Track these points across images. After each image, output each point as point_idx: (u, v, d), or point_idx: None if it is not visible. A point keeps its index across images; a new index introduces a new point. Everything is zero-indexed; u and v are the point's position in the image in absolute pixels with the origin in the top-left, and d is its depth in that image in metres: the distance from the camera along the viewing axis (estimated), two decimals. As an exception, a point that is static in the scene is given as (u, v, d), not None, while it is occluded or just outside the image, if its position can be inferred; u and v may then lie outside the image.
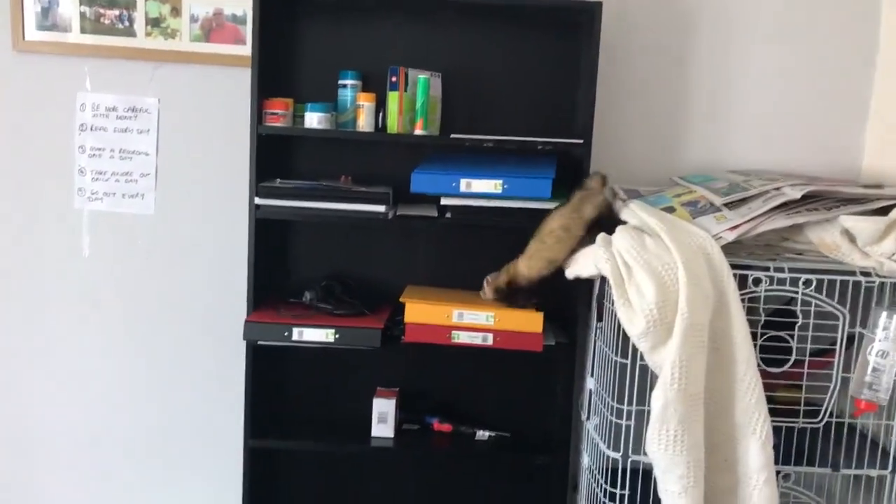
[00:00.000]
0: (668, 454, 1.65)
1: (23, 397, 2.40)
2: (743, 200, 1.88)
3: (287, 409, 2.32)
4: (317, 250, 2.29)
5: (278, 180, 2.12)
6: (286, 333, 2.04)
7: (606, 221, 1.89)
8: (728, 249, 1.77)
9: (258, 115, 2.06)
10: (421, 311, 2.07)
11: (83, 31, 2.25)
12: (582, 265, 1.86)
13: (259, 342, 2.07)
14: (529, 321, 2.05)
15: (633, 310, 1.68)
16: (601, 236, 1.82)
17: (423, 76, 2.08)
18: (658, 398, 1.65)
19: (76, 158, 2.31)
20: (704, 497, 1.68)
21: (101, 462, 2.42)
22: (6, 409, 2.40)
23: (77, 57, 2.27)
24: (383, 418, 2.18)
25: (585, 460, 2.10)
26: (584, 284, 2.07)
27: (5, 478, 2.43)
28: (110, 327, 2.37)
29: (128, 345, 2.38)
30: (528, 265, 1.98)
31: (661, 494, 1.71)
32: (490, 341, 2.05)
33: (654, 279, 1.66)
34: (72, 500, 2.44)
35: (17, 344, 2.38)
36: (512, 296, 2.04)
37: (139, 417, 2.41)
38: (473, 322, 2.05)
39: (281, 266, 2.28)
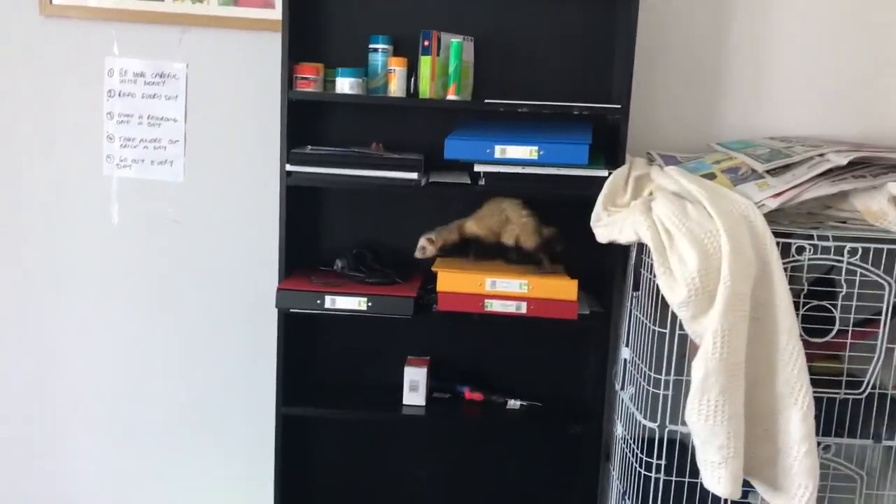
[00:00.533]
0: (708, 424, 1.63)
1: (53, 365, 2.41)
2: (786, 167, 1.83)
3: (319, 377, 2.32)
4: (348, 218, 2.27)
5: (309, 147, 2.10)
6: (318, 301, 2.03)
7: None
8: (769, 217, 1.72)
9: (288, 80, 2.03)
10: (453, 280, 2.05)
11: (110, -6, 2.22)
12: (619, 230, 1.82)
13: (291, 310, 2.06)
14: (564, 289, 2.02)
15: (674, 278, 1.65)
16: (641, 201, 1.78)
17: (455, 40, 2.04)
18: (699, 368, 1.62)
19: (104, 125, 2.29)
20: (744, 468, 1.66)
21: (133, 430, 2.43)
22: (38, 378, 2.42)
23: (104, 21, 2.24)
24: (414, 386, 2.17)
25: (619, 430, 2.09)
26: (619, 252, 2.04)
27: (40, 446, 2.45)
28: (140, 295, 2.37)
29: (158, 312, 2.38)
30: (477, 225, 2.10)
31: (699, 465, 1.69)
32: (524, 310, 2.03)
33: (697, 247, 1.62)
34: (105, 468, 2.46)
35: (47, 311, 2.38)
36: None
37: (170, 385, 2.41)
38: (507, 290, 2.03)
39: (312, 234, 2.26)
